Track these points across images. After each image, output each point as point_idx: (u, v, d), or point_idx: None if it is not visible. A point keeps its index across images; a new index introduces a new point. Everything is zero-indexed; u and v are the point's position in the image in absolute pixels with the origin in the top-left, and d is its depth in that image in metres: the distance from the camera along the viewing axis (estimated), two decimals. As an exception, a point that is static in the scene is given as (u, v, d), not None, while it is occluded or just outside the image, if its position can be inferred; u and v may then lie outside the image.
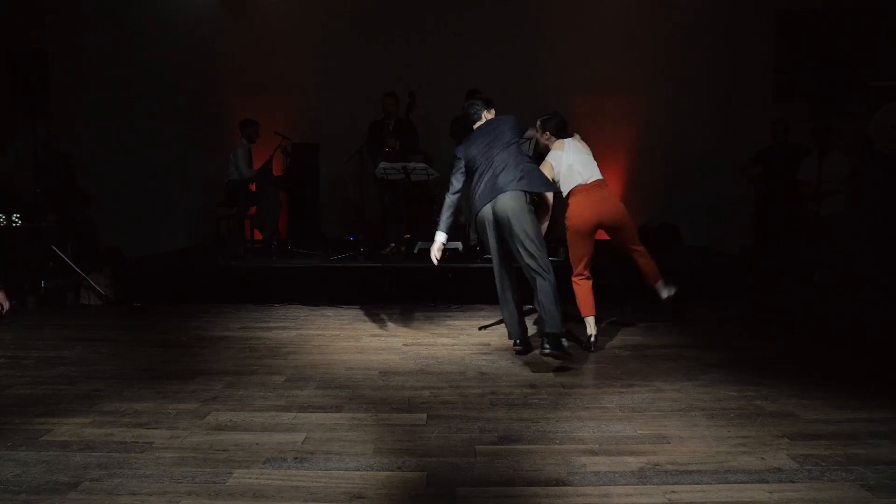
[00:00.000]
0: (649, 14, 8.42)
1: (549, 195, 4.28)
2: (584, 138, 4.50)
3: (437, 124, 7.68)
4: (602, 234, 4.39)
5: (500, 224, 3.85)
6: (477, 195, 3.93)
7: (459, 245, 6.08)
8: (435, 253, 4.10)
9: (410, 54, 8.22)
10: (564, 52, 8.38)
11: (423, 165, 6.21)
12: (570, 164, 4.23)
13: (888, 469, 2.47)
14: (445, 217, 4.08)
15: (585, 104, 8.49)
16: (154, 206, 8.37)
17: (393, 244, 6.65)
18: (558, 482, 2.37)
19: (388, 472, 2.46)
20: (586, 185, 4.21)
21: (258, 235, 7.30)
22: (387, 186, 6.66)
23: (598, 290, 4.36)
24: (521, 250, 3.80)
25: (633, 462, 2.53)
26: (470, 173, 4.05)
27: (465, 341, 4.46)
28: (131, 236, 7.78)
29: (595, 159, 4.34)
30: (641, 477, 2.41)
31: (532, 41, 8.39)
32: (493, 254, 4.02)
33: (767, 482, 2.37)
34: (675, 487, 2.33)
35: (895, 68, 7.31)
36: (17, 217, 6.18)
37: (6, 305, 3.16)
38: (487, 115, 4.20)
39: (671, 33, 8.34)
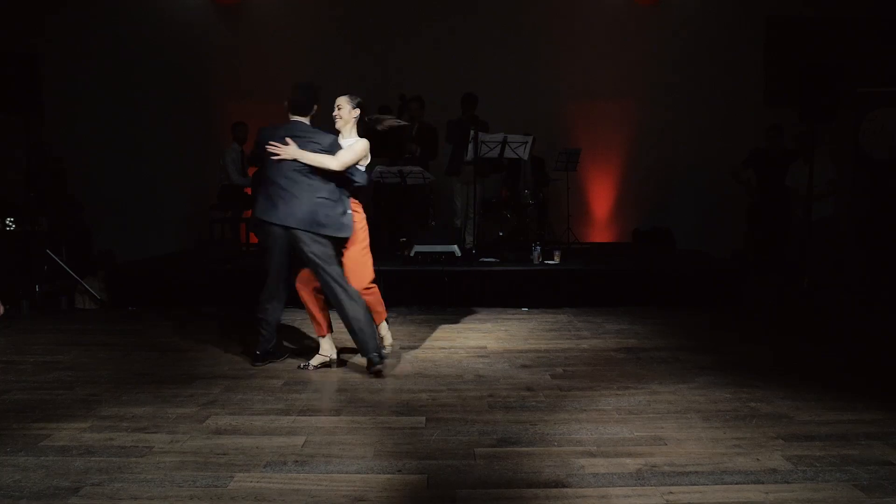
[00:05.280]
0: (642, 20, 8.50)
1: None
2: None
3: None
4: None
5: None
6: None
7: (455, 248, 6.11)
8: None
9: (405, 59, 8.25)
10: (558, 56, 8.44)
11: (418, 169, 6.24)
12: None
13: (881, 469, 2.51)
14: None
15: (579, 108, 8.56)
16: (147, 209, 8.34)
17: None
18: (557, 484, 2.40)
19: (389, 475, 2.48)
20: None
21: (254, 239, 7.29)
22: (382, 190, 6.68)
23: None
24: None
25: (631, 463, 2.56)
26: None
27: (462, 344, 4.49)
28: (124, 240, 7.74)
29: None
30: (639, 478, 2.44)
31: (527, 46, 8.44)
32: None
33: (763, 483, 2.40)
34: (673, 488, 2.36)
35: (883, 74, 7.41)
36: (10, 221, 6.15)
37: (1, 310, 3.15)
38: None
39: (663, 39, 8.41)
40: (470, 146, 6.27)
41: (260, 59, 8.33)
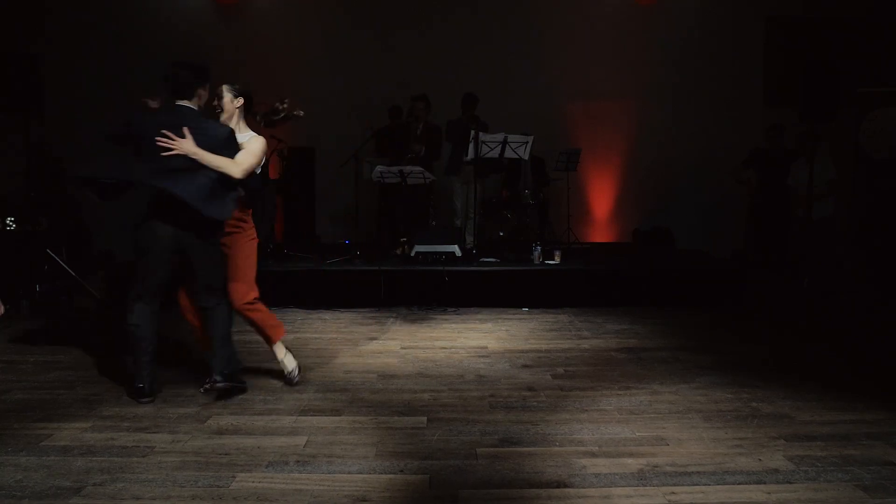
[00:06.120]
0: (642, 20, 8.51)
1: None
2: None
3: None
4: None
5: None
6: None
7: (456, 248, 6.11)
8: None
9: (405, 59, 8.25)
10: (558, 56, 8.45)
11: (419, 169, 6.23)
12: None
13: (883, 469, 2.51)
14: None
15: (579, 108, 8.56)
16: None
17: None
18: (559, 484, 2.40)
19: (391, 475, 2.48)
20: None
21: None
22: (383, 190, 6.67)
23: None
24: None
25: (633, 464, 2.57)
26: None
27: (463, 344, 4.49)
28: (124, 240, 7.70)
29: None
30: (641, 478, 2.44)
31: (527, 46, 8.45)
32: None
33: (765, 483, 2.41)
34: (675, 489, 2.36)
35: (883, 74, 7.42)
36: (10, 221, 6.14)
37: (1, 310, 3.14)
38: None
39: (663, 39, 8.42)
40: (470, 146, 6.27)
41: (260, 59, 8.33)
